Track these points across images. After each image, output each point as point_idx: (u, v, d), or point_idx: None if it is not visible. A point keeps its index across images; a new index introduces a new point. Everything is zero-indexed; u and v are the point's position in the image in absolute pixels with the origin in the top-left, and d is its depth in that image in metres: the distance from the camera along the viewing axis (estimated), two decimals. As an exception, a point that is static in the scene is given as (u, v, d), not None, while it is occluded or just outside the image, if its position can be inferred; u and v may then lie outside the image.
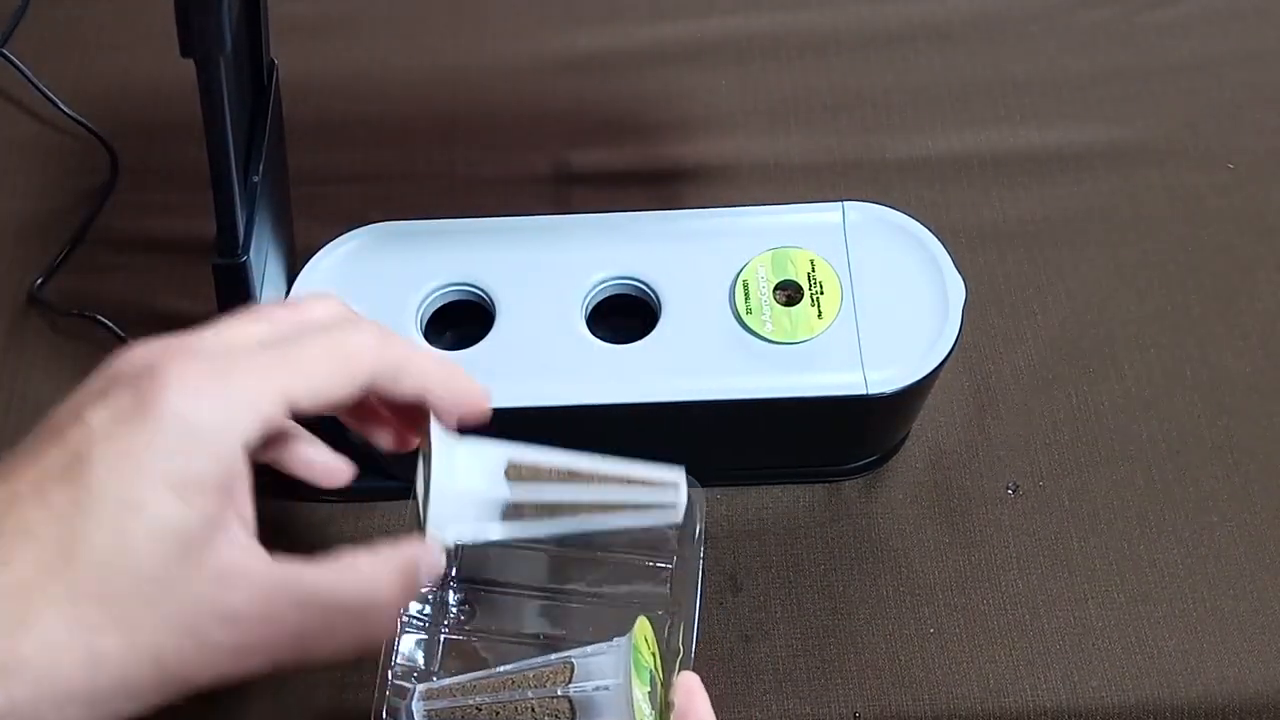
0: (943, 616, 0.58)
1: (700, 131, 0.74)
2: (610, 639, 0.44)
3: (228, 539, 0.33)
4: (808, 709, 0.56)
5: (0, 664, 0.30)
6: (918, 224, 0.58)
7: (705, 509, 0.50)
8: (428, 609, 0.53)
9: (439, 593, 0.54)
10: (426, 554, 0.39)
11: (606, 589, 0.55)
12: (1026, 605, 0.58)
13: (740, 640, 0.58)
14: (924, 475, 0.62)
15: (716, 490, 0.61)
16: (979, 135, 0.74)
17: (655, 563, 0.55)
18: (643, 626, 0.44)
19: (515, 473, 0.40)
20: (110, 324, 0.65)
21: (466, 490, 0.40)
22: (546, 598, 0.55)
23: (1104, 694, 0.56)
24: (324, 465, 0.42)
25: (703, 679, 0.56)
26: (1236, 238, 0.70)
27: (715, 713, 0.56)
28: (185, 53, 0.42)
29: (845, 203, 0.59)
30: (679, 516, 0.41)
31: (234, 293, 0.51)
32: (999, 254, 0.69)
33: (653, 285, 0.57)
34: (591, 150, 0.74)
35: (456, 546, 0.55)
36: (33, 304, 0.68)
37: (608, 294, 0.58)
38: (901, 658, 0.57)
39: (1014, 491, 0.61)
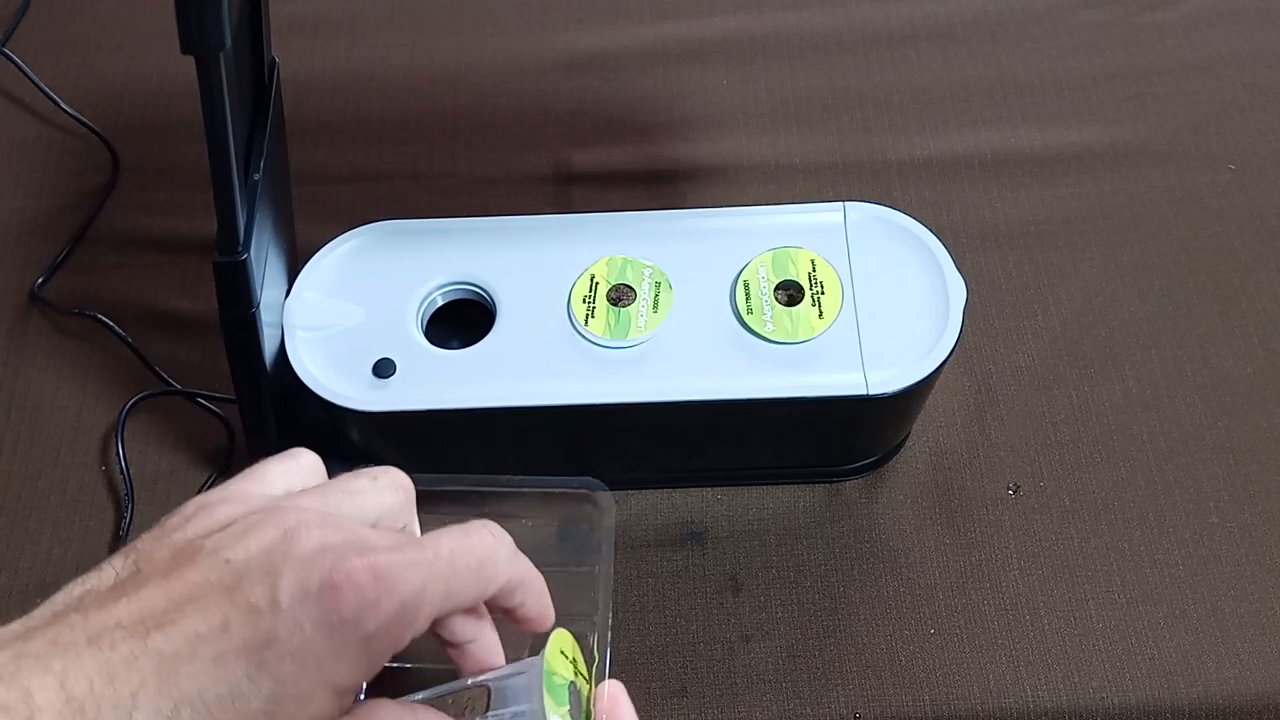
0: (943, 616, 0.58)
1: (700, 131, 0.74)
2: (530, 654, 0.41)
3: None
4: (808, 709, 0.56)
5: None
6: (918, 224, 0.58)
7: (615, 516, 0.47)
8: None
9: None
10: None
11: None
12: (1027, 606, 0.58)
13: (740, 640, 0.58)
14: (924, 475, 0.62)
15: (717, 490, 0.61)
16: (979, 135, 0.74)
17: (578, 568, 0.48)
18: (559, 639, 0.41)
19: None
20: (111, 323, 0.65)
21: None
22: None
23: (1104, 694, 0.56)
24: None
25: (702, 678, 0.57)
26: (1236, 238, 0.70)
27: (716, 713, 0.56)
28: (186, 49, 0.42)
29: (846, 203, 0.59)
30: None
31: (234, 291, 0.50)
32: (999, 254, 0.69)
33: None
34: (592, 150, 0.74)
35: None
36: (34, 303, 0.67)
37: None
38: (901, 658, 0.57)
39: (1014, 492, 0.61)
